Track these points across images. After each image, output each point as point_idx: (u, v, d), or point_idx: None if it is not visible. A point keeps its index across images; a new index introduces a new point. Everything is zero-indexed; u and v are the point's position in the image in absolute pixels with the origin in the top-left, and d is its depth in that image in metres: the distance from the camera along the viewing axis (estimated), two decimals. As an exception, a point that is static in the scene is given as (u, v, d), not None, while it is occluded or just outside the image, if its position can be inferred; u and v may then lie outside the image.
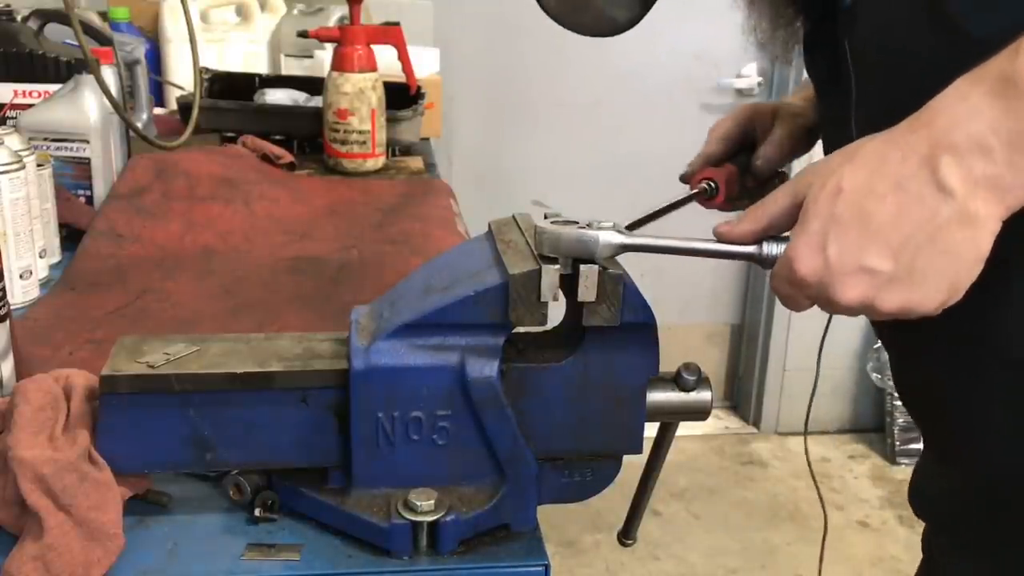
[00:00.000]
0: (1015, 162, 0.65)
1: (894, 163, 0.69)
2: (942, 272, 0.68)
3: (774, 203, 0.75)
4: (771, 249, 0.74)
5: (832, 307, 0.72)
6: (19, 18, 1.62)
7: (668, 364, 0.79)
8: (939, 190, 0.67)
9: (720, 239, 0.76)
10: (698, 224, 0.99)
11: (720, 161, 1.15)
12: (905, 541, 2.93)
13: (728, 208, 1.14)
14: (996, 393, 0.83)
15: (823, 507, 1.45)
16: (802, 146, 1.19)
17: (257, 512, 0.77)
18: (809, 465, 1.43)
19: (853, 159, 0.70)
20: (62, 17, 1.57)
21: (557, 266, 0.72)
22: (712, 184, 1.12)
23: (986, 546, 0.92)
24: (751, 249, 0.74)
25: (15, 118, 1.44)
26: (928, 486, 1.01)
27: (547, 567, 0.74)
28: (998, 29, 0.70)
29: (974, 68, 0.69)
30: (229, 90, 1.98)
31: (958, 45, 0.75)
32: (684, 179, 1.16)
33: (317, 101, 1.90)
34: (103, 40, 1.70)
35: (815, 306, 0.75)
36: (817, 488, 1.43)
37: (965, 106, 0.67)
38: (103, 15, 2.09)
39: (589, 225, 0.72)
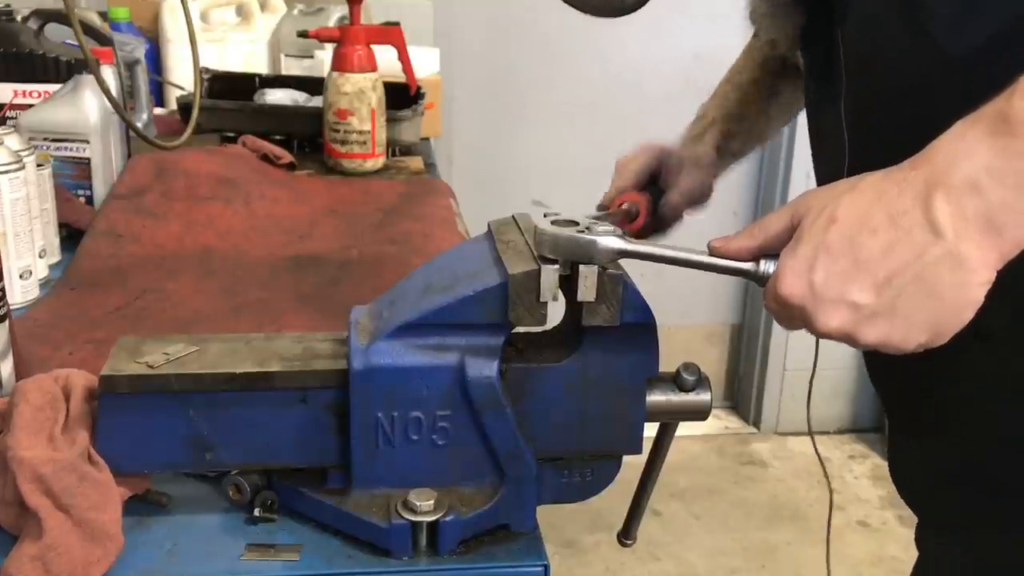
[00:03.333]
0: (1008, 201, 0.64)
1: (891, 197, 0.68)
2: (925, 314, 0.67)
3: (771, 222, 0.74)
4: (767, 268, 0.74)
5: (813, 331, 0.71)
6: (19, 18, 1.62)
7: (668, 364, 0.79)
8: (931, 229, 0.66)
9: (714, 253, 0.76)
10: (690, 236, 0.99)
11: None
12: (905, 541, 2.92)
13: (639, 236, 1.17)
14: (971, 369, 0.83)
15: (831, 504, 1.45)
16: (704, 199, 1.24)
17: (257, 512, 0.77)
18: (822, 465, 1.42)
19: (853, 190, 0.70)
20: (62, 17, 1.56)
21: (556, 266, 0.72)
22: (634, 207, 1.14)
23: (969, 529, 0.93)
24: (748, 266, 0.74)
25: (15, 118, 1.44)
26: (909, 470, 1.01)
27: (547, 567, 0.74)
28: (972, 42, 0.73)
29: (973, 106, 0.69)
30: (229, 90, 1.98)
31: (930, 53, 0.77)
32: (602, 207, 1.19)
33: (317, 101, 1.90)
34: (103, 40, 1.70)
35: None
36: (829, 486, 1.43)
37: (962, 145, 0.67)
38: (103, 15, 2.09)
39: (588, 228, 0.72)
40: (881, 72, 0.84)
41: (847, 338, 0.70)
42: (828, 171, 0.97)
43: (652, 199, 1.19)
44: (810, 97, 1.01)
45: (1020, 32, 0.76)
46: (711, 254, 0.76)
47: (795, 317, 0.72)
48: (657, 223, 1.22)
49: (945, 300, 0.67)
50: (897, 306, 0.67)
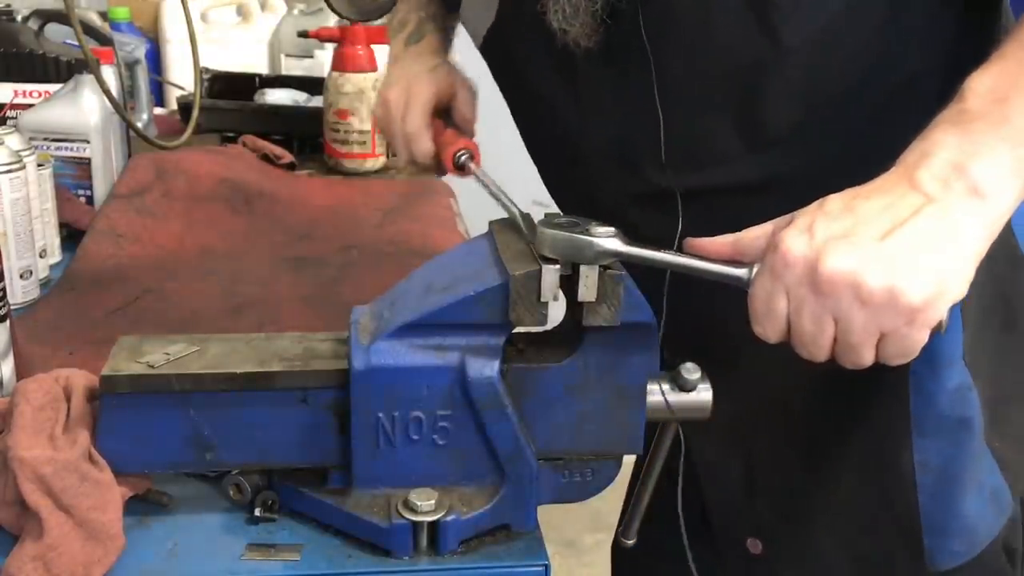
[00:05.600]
0: (987, 168, 0.69)
1: (875, 183, 0.72)
2: (929, 261, 0.67)
3: (754, 227, 0.75)
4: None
5: (815, 289, 0.68)
6: (19, 18, 1.62)
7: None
8: (920, 195, 0.70)
9: (690, 248, 0.76)
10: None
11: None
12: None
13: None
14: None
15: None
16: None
17: (257, 512, 0.77)
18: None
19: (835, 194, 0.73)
20: (62, 17, 1.56)
21: (557, 266, 0.72)
22: (468, 152, 1.11)
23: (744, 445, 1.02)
24: (741, 272, 0.73)
25: (15, 118, 1.44)
26: None
27: (547, 567, 0.74)
28: (807, 30, 0.82)
29: (801, 88, 0.83)
30: (229, 90, 1.98)
31: (766, 38, 0.84)
32: (442, 171, 1.15)
33: (317, 101, 1.90)
34: (103, 40, 1.70)
35: (784, 340, 0.73)
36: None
37: (927, 144, 0.72)
38: (103, 15, 2.08)
39: (587, 231, 0.72)
40: (710, 53, 0.87)
41: (853, 283, 0.67)
42: (620, 143, 0.95)
43: (449, 126, 1.15)
44: (584, 75, 0.97)
45: (840, 25, 0.83)
46: (688, 249, 0.76)
47: (793, 281, 0.69)
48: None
49: (947, 250, 0.68)
50: (901, 249, 0.67)
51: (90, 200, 1.41)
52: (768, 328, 0.72)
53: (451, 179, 2.02)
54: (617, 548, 1.28)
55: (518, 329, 0.75)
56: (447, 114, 1.17)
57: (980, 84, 0.73)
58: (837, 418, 0.96)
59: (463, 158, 1.10)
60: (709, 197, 0.92)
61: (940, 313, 0.68)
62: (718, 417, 0.99)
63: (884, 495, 0.96)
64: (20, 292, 1.16)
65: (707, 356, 0.90)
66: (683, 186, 0.92)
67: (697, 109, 0.90)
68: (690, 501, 1.11)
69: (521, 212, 0.83)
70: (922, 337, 0.69)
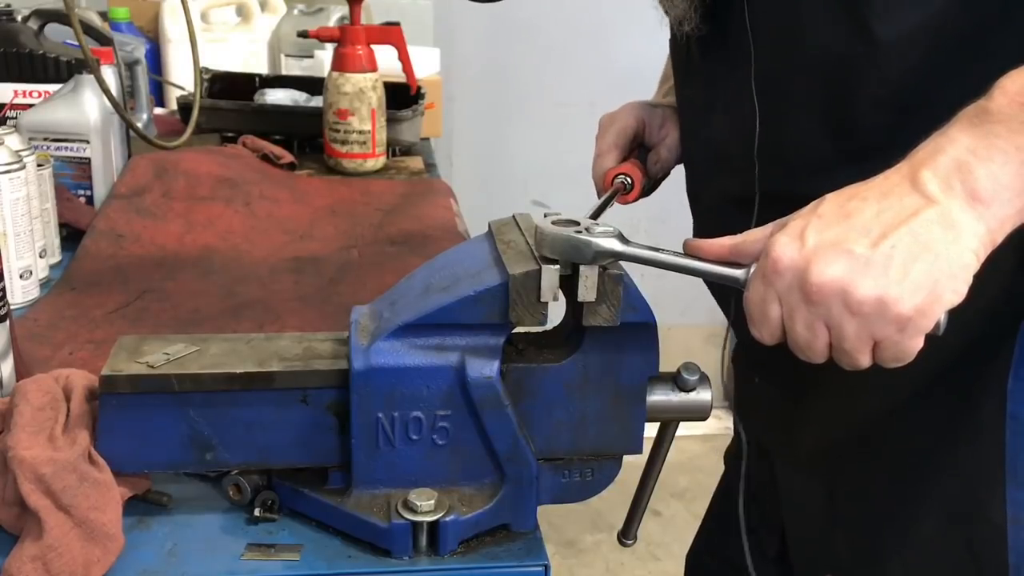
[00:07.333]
0: (994, 174, 0.66)
1: (876, 181, 0.70)
2: (922, 268, 0.66)
3: (756, 229, 0.74)
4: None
5: (806, 298, 0.67)
6: (19, 18, 1.62)
7: (668, 364, 0.79)
8: (921, 197, 0.67)
9: (688, 250, 0.76)
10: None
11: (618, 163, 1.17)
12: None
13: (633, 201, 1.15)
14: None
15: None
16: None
17: (257, 512, 0.77)
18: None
19: (834, 193, 0.71)
20: (62, 17, 1.56)
21: (557, 266, 0.72)
22: (628, 179, 1.12)
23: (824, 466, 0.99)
24: (738, 273, 0.73)
25: (15, 118, 1.44)
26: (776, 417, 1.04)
27: (547, 567, 0.74)
28: (900, 27, 0.78)
29: (891, 84, 0.76)
30: (229, 90, 1.98)
31: (856, 32, 0.80)
32: (601, 185, 1.16)
33: (317, 101, 1.90)
34: (103, 40, 1.70)
35: (780, 342, 0.72)
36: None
37: (943, 139, 0.69)
38: (103, 15, 2.09)
39: (587, 230, 0.72)
40: (801, 45, 0.84)
41: (842, 292, 0.66)
42: (722, 140, 0.95)
43: (640, 161, 1.17)
44: (699, 69, 0.98)
45: (945, 21, 0.78)
46: (686, 251, 0.76)
47: (784, 288, 0.68)
48: (646, 180, 1.19)
49: (941, 256, 0.66)
50: (894, 257, 0.66)
51: (90, 200, 1.41)
52: (764, 332, 0.72)
53: (451, 179, 2.02)
54: (689, 564, 1.27)
55: (518, 329, 0.75)
56: (647, 150, 1.18)
57: (1012, 83, 0.68)
58: (923, 455, 0.90)
59: (619, 180, 1.12)
60: (790, 207, 0.77)
61: (933, 320, 0.67)
62: (803, 443, 0.98)
63: (970, 547, 0.89)
64: (20, 292, 1.16)
65: (787, 377, 0.88)
66: (768, 189, 0.89)
67: (788, 106, 0.87)
68: (770, 530, 1.09)
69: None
70: (916, 343, 0.68)
